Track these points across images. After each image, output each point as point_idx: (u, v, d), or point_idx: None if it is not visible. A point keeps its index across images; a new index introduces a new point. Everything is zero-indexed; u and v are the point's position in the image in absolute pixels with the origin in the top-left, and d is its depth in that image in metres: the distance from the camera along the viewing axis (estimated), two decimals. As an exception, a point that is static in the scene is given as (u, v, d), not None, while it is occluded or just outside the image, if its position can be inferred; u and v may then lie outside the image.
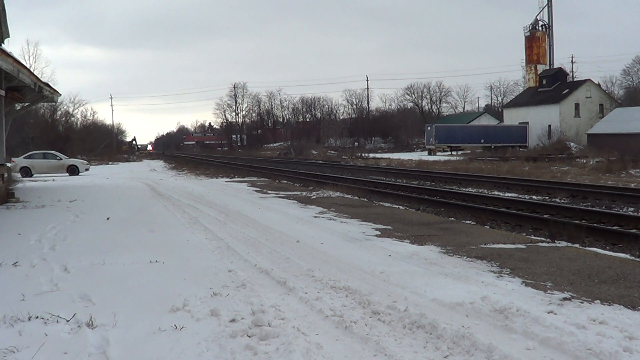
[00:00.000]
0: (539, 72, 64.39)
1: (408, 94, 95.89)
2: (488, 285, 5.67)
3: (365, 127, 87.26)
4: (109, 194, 17.24)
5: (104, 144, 71.48)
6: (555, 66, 65.63)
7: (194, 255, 7.40)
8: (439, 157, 49.14)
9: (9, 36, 16.27)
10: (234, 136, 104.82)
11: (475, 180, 21.43)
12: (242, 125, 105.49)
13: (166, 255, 7.32)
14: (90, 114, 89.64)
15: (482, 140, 56.81)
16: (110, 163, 51.04)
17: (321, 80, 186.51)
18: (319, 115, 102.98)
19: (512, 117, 63.19)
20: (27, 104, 19.97)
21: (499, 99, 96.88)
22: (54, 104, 46.55)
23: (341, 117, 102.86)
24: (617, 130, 45.98)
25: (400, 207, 13.84)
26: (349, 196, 15.64)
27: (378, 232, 9.15)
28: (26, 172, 29.69)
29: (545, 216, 11.91)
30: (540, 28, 65.78)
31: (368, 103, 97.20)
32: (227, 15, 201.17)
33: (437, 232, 9.13)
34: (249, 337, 4.29)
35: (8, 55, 12.19)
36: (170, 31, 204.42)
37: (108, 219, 11.10)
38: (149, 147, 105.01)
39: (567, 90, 58.01)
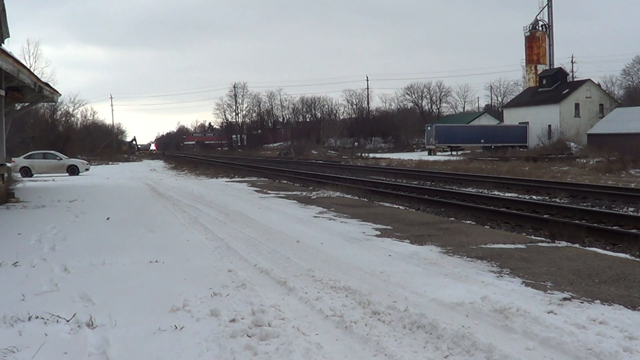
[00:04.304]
0: (539, 72, 64.43)
1: (408, 94, 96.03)
2: (488, 285, 5.67)
3: (365, 127, 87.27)
4: (109, 194, 17.24)
5: (104, 144, 71.49)
6: (555, 66, 65.66)
7: (194, 255, 7.40)
8: (439, 157, 49.14)
9: (9, 36, 16.26)
10: (234, 136, 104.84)
11: (475, 180, 21.42)
12: (242, 125, 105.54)
13: (166, 255, 7.32)
14: (90, 114, 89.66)
15: (482, 140, 56.83)
16: (110, 163, 51.04)
17: (321, 80, 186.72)
18: (319, 115, 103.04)
19: (512, 117, 63.21)
20: (27, 104, 19.98)
21: (499, 99, 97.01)
22: (54, 104, 46.65)
23: (341, 117, 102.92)
24: (617, 130, 45.98)
25: (401, 207, 13.84)
26: (349, 196, 15.64)
27: (378, 232, 9.15)
28: (26, 172, 29.69)
29: (545, 216, 11.91)
30: (540, 28, 65.82)
31: (368, 103, 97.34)
32: (228, 15, 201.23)
33: (437, 232, 9.13)
34: (249, 337, 4.29)
35: (8, 55, 12.19)
36: (172, 30, 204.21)
37: (108, 219, 11.10)
38: (152, 147, 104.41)
39: (567, 90, 58.03)
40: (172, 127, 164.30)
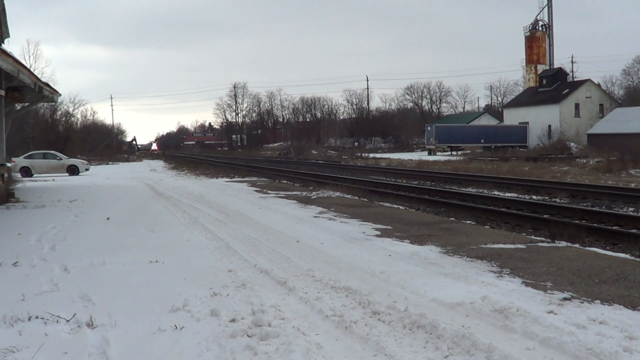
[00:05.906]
0: (539, 72, 64.44)
1: (408, 94, 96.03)
2: (488, 285, 5.67)
3: (365, 127, 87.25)
4: (109, 194, 17.24)
5: (104, 144, 71.45)
6: (555, 66, 65.68)
7: (194, 255, 7.40)
8: (439, 157, 49.15)
9: (9, 36, 16.26)
10: (234, 136, 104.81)
11: (475, 180, 21.42)
12: (242, 125, 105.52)
13: (166, 255, 7.32)
14: (90, 114, 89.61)
15: (482, 140, 56.84)
16: (110, 163, 51.04)
17: (321, 80, 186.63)
18: (319, 115, 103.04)
19: (512, 117, 63.21)
20: (27, 104, 19.98)
21: (499, 99, 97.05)
22: (54, 104, 46.61)
23: (341, 117, 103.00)
24: (617, 130, 46.00)
25: (401, 207, 13.84)
26: (349, 196, 15.64)
27: (378, 232, 9.15)
28: (26, 172, 29.70)
29: (545, 216, 11.91)
30: (540, 28, 65.84)
31: (368, 103, 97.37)
32: (228, 15, 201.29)
33: (437, 232, 9.13)
34: (249, 337, 4.29)
35: (8, 55, 12.19)
36: (172, 30, 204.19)
37: (108, 219, 11.10)
38: (154, 146, 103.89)
39: (567, 90, 58.04)
40: (172, 127, 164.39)
